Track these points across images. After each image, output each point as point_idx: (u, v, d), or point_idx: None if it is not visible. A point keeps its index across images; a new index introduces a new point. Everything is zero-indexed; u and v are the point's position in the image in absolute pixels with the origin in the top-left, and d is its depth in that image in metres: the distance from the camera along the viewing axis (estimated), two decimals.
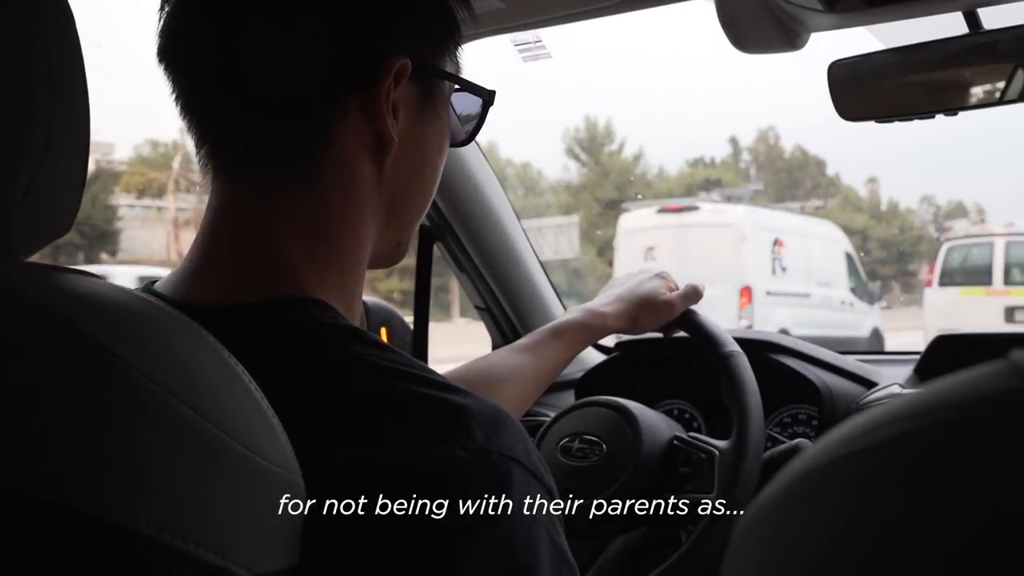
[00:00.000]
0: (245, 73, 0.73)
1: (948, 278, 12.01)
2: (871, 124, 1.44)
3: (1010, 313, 11.58)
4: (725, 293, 10.40)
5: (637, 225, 11.83)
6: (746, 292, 10.90)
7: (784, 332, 9.68)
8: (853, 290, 12.47)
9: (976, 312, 11.41)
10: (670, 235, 11.15)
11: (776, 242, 11.57)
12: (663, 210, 11.95)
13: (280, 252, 0.75)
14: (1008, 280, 11.80)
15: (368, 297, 1.89)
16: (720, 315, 8.99)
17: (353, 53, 0.75)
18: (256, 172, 0.76)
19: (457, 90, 0.86)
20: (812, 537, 0.34)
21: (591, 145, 28.18)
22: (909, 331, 13.83)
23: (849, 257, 12.68)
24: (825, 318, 11.41)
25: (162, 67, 0.76)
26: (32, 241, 0.63)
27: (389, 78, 0.75)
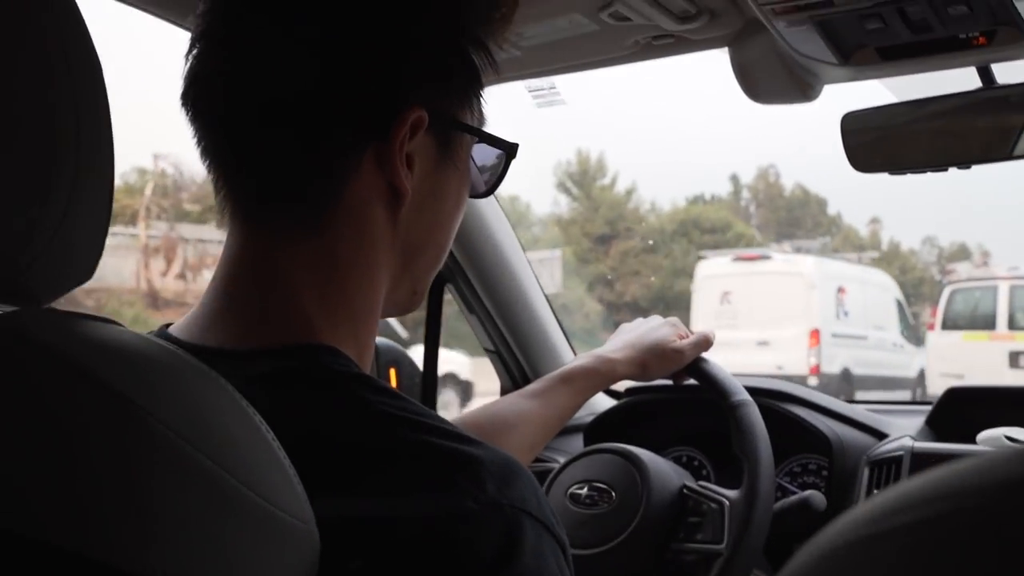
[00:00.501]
0: (262, 118, 0.74)
1: (951, 322, 12.09)
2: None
3: (1015, 358, 11.52)
4: (796, 335, 11.46)
5: (713, 272, 12.77)
6: (815, 334, 11.76)
7: (847, 371, 11.11)
8: (902, 333, 13.24)
9: (979, 357, 11.38)
10: (744, 281, 12.14)
11: (840, 289, 12.51)
12: (738, 259, 13.00)
13: (293, 298, 0.75)
14: (1012, 325, 11.81)
15: (379, 338, 1.90)
16: (792, 355, 11.16)
17: (367, 104, 0.75)
18: (270, 218, 0.76)
19: (478, 141, 0.86)
20: None
21: (583, 179, 28.00)
22: None
23: (899, 303, 13.50)
24: (880, 359, 12.21)
25: (184, 110, 0.77)
26: (56, 287, 0.64)
27: (404, 130, 0.75)
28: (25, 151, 0.58)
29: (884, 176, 1.45)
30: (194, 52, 0.76)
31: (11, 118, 0.57)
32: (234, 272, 0.77)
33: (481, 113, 0.84)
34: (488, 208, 1.86)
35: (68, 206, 0.60)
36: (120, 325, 0.62)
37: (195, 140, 0.78)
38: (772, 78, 1.37)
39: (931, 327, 12.33)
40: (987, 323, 11.92)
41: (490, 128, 0.85)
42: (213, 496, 0.55)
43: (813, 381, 11.29)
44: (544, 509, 0.67)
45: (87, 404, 0.54)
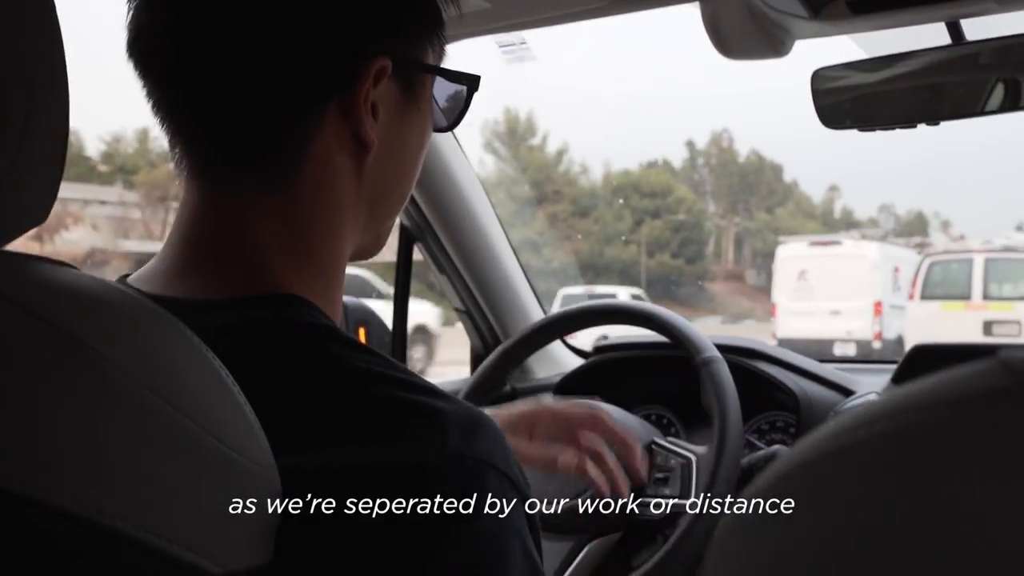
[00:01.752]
0: (220, 74, 0.71)
1: (929, 292, 13.11)
2: (831, 131, 1.45)
3: (988, 327, 12.48)
4: (862, 306, 13.75)
5: (792, 254, 15.21)
6: (878, 306, 13.98)
7: (901, 337, 13.27)
8: None
9: (956, 325, 12.32)
10: (818, 262, 14.52)
11: (895, 268, 14.89)
12: (813, 243, 15.60)
13: (260, 252, 0.74)
14: (987, 295, 12.80)
15: (347, 297, 1.88)
16: (859, 323, 13.51)
17: (330, 56, 0.73)
18: (232, 175, 0.74)
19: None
20: (798, 534, 0.34)
21: (510, 139, 27.71)
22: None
23: None
24: None
25: (132, 62, 0.74)
26: (9, 229, 0.62)
27: (368, 81, 0.74)
28: None
29: (842, 143, 1.46)
30: (137, 1, 0.74)
31: None
32: (196, 230, 0.75)
33: (442, 48, 0.82)
34: (458, 165, 1.85)
35: (20, 148, 0.58)
36: (75, 268, 0.61)
37: (145, 95, 0.75)
38: (743, 33, 1.36)
39: (911, 297, 13.35)
40: (963, 293, 12.87)
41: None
42: (171, 440, 0.54)
43: (877, 345, 13.58)
44: (510, 462, 0.67)
45: (40, 348, 0.53)
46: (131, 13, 0.74)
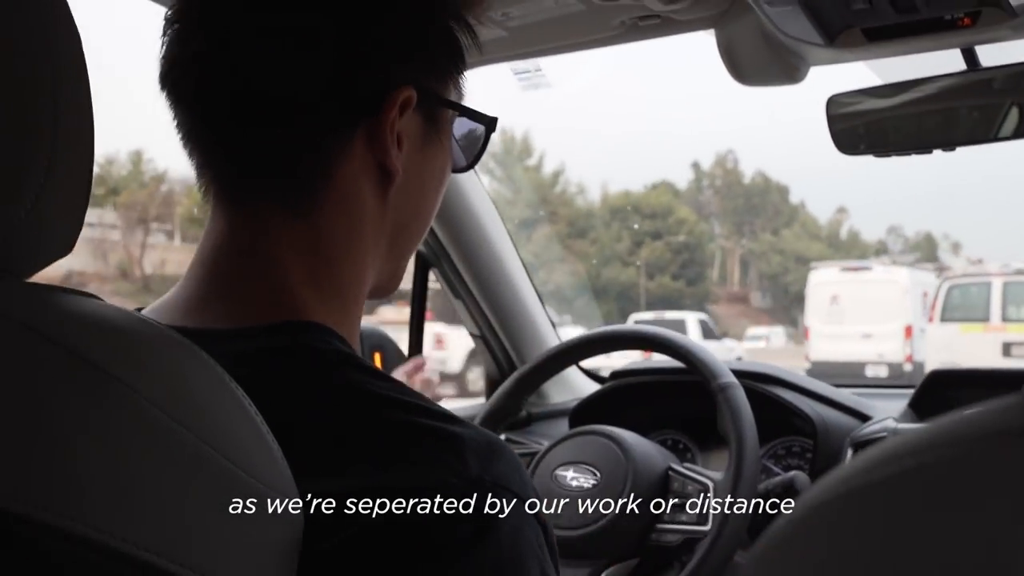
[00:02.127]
0: (249, 102, 0.73)
1: (948, 314, 13.41)
2: (838, 153, 1.45)
3: (1007, 348, 12.71)
4: (894, 330, 14.21)
5: (824, 279, 15.79)
6: (909, 329, 14.45)
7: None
8: None
9: (975, 347, 12.62)
10: (849, 288, 15.09)
11: (924, 293, 15.17)
12: (845, 269, 16.19)
13: (282, 280, 0.74)
14: (1005, 317, 13.05)
15: (362, 323, 1.89)
16: (890, 345, 13.99)
17: (358, 84, 0.74)
18: (256, 198, 0.75)
19: (460, 115, 0.85)
20: (824, 570, 0.34)
21: (505, 159, 27.67)
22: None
23: None
24: None
25: (164, 93, 0.76)
26: (34, 261, 0.63)
27: (395, 109, 0.74)
28: (2, 124, 0.57)
29: (850, 164, 1.46)
30: (170, 33, 0.75)
31: None
32: (220, 256, 0.76)
33: (462, 87, 0.83)
34: (473, 191, 1.85)
35: (47, 179, 0.59)
36: (99, 299, 0.62)
37: (176, 124, 0.76)
38: (758, 60, 1.37)
39: (931, 319, 13.63)
40: (982, 316, 13.13)
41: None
42: (196, 471, 0.55)
43: (908, 367, 13.96)
44: (527, 486, 0.67)
45: (67, 379, 0.53)
46: (164, 47, 0.75)
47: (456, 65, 0.81)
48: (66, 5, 0.61)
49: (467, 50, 0.82)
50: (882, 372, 13.88)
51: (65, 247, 0.64)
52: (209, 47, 0.73)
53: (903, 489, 0.32)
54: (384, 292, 0.87)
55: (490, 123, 0.88)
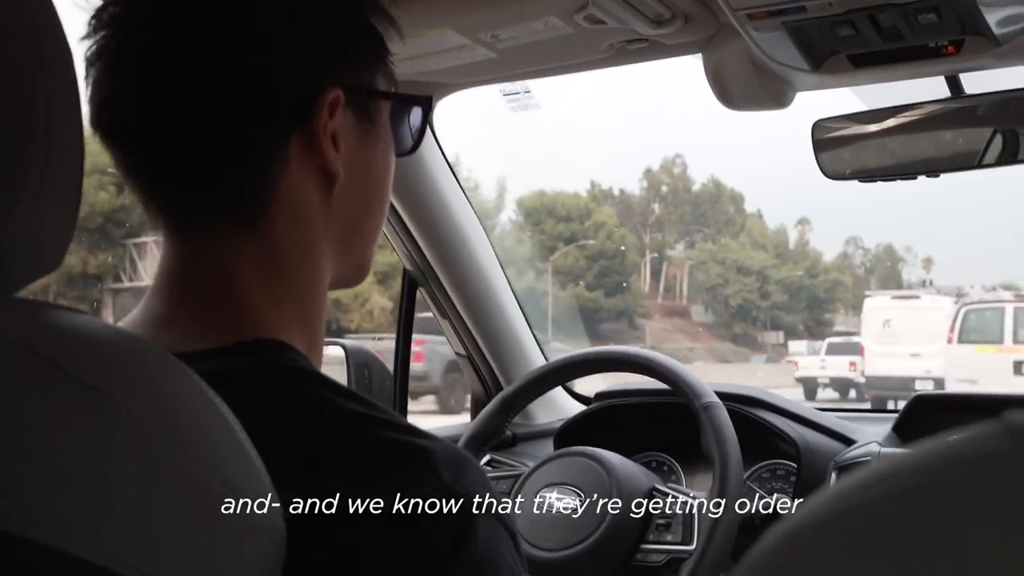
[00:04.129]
0: (179, 128, 0.73)
1: (965, 336, 14.98)
2: (795, 162, 1.46)
3: (1018, 367, 14.19)
4: (939, 350, 15.50)
5: (877, 306, 18.84)
6: None
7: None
8: None
9: (989, 366, 14.05)
10: (900, 313, 17.74)
11: None
12: (895, 297, 19.77)
13: (240, 297, 0.75)
14: (1016, 339, 14.64)
15: (348, 340, 1.89)
16: (936, 363, 15.52)
17: (282, 95, 0.74)
18: (206, 222, 0.76)
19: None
20: None
21: None
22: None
23: None
24: None
25: (98, 135, 0.76)
26: (22, 276, 0.63)
27: (323, 112, 0.75)
28: None
29: (811, 175, 1.47)
30: (93, 74, 0.75)
31: None
32: (176, 281, 0.76)
33: (391, 74, 0.83)
34: (460, 210, 1.86)
35: (37, 196, 0.59)
36: (85, 313, 0.62)
37: (114, 163, 0.76)
38: (745, 84, 1.38)
39: (949, 341, 15.06)
40: (996, 338, 14.64)
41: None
42: (181, 485, 0.55)
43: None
44: (496, 496, 0.69)
45: (55, 394, 0.53)
46: (90, 89, 0.75)
47: (380, 53, 0.81)
48: (55, 15, 0.61)
49: (387, 36, 0.82)
50: (929, 386, 14.99)
51: (53, 263, 0.64)
52: (132, 87, 0.73)
53: (886, 513, 0.32)
54: (350, 283, 0.88)
55: (425, 103, 0.88)
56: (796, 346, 27.61)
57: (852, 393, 18.74)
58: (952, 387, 14.48)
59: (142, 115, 0.74)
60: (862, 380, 17.78)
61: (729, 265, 36.10)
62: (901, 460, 0.33)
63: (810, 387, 19.14)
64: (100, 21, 0.75)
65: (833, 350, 19.76)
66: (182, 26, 0.73)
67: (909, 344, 16.71)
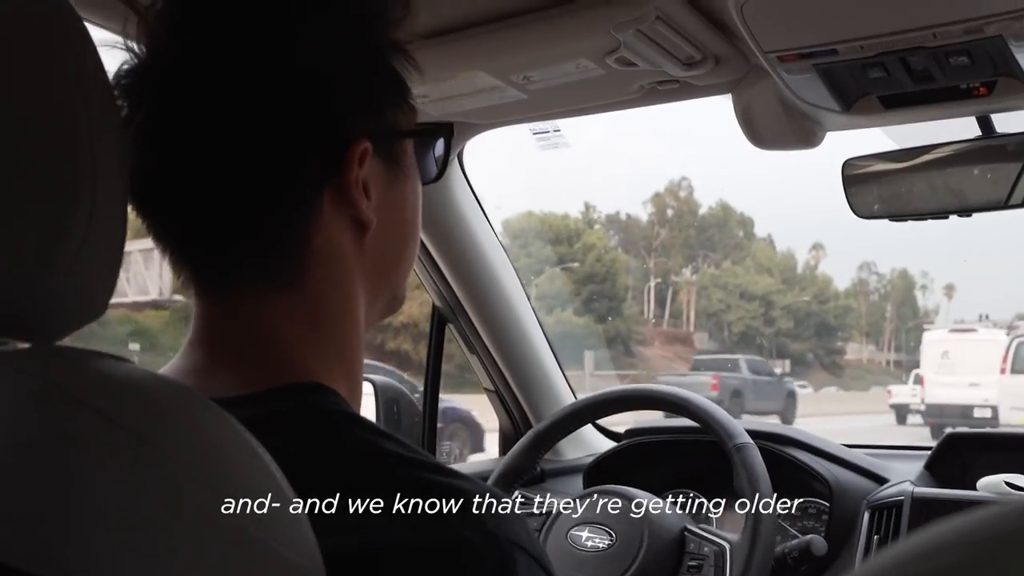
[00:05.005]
0: (214, 197, 0.74)
1: (1017, 366, 16.13)
2: (812, 186, 1.46)
3: None
4: (996, 380, 16.41)
5: (936, 339, 19.84)
6: None
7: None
8: None
9: None
10: (957, 345, 18.64)
11: None
12: (953, 330, 20.45)
13: (279, 345, 0.75)
14: None
15: (378, 376, 1.90)
16: (993, 392, 16.50)
17: (313, 152, 0.75)
18: (243, 282, 0.76)
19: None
20: None
21: None
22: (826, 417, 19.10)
23: None
24: None
25: (135, 207, 0.76)
26: (68, 324, 0.64)
27: (354, 164, 0.75)
28: (42, 187, 0.58)
29: (822, 199, 1.46)
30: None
31: (30, 157, 0.58)
32: (213, 336, 0.77)
33: (413, 109, 0.83)
34: (489, 247, 1.87)
35: (83, 242, 0.60)
36: (130, 362, 0.62)
37: (145, 227, 0.77)
38: (775, 124, 1.38)
39: (1002, 371, 16.11)
40: None
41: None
42: (225, 537, 0.55)
43: None
44: (535, 543, 0.69)
45: (100, 443, 0.54)
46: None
47: (402, 95, 0.81)
48: (96, 54, 0.62)
49: (406, 73, 0.81)
50: (987, 414, 16.30)
51: (99, 308, 0.65)
52: (163, 158, 0.74)
53: None
54: (387, 315, 0.87)
55: (447, 131, 0.88)
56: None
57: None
58: (1005, 415, 16.00)
59: (174, 184, 0.74)
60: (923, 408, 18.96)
61: (731, 290, 35.20)
62: (932, 538, 0.33)
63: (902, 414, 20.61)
64: (122, 89, 0.75)
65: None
66: (213, 96, 0.73)
67: (967, 374, 17.54)
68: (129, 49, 0.75)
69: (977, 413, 16.87)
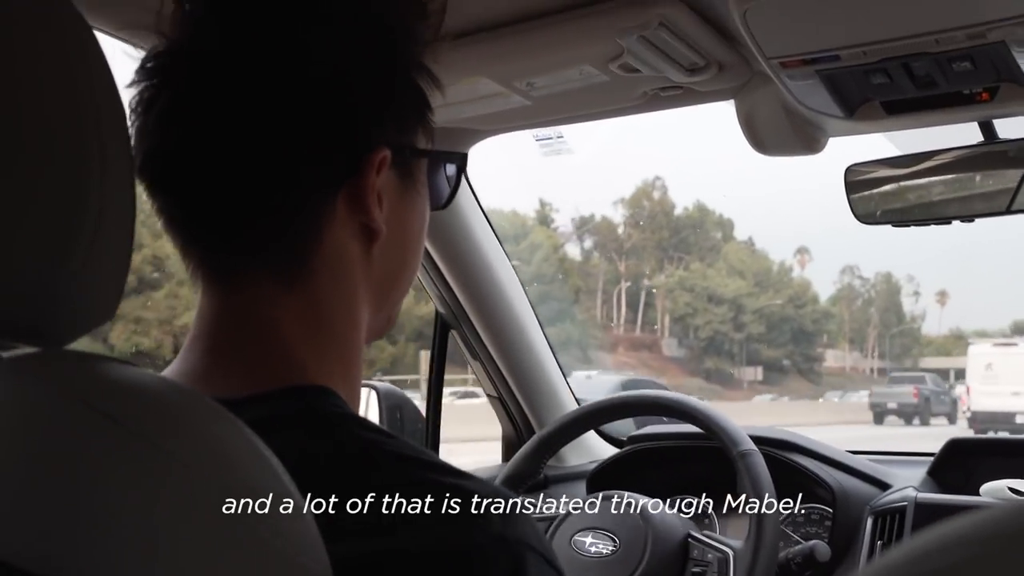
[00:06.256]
0: (233, 183, 0.74)
1: None
2: (795, 190, 1.47)
3: None
4: None
5: (980, 352, 22.45)
6: None
7: None
8: None
9: None
10: (1000, 358, 21.40)
11: None
12: (996, 344, 23.46)
13: (281, 346, 0.75)
14: None
15: (380, 382, 1.90)
16: None
17: (336, 151, 0.75)
18: (249, 275, 0.76)
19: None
20: None
21: None
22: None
23: None
24: None
25: (143, 185, 0.76)
26: (76, 328, 0.64)
27: (372, 171, 0.76)
28: (50, 192, 0.58)
29: (807, 204, 1.46)
30: (141, 125, 0.75)
31: (37, 160, 0.58)
32: (218, 330, 0.77)
33: (431, 130, 0.84)
34: (493, 254, 1.87)
35: (91, 246, 0.60)
36: (135, 366, 0.63)
37: (156, 210, 0.77)
38: (777, 130, 1.39)
39: None
40: None
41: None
42: (233, 539, 0.55)
43: None
44: (544, 543, 0.68)
45: (108, 446, 0.54)
46: (135, 137, 0.75)
47: (423, 112, 0.82)
48: (104, 59, 0.62)
49: (429, 91, 0.82)
50: None
51: (107, 312, 0.65)
52: (186, 140, 0.74)
53: None
54: (378, 335, 0.88)
55: (461, 160, 0.90)
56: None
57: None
58: None
59: (192, 166, 0.74)
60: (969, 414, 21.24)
61: (699, 293, 34.61)
62: (936, 537, 0.33)
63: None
64: (149, 70, 0.75)
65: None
66: (242, 81, 0.73)
67: (1009, 384, 20.14)
68: (160, 32, 0.75)
69: (1020, 419, 19.16)
